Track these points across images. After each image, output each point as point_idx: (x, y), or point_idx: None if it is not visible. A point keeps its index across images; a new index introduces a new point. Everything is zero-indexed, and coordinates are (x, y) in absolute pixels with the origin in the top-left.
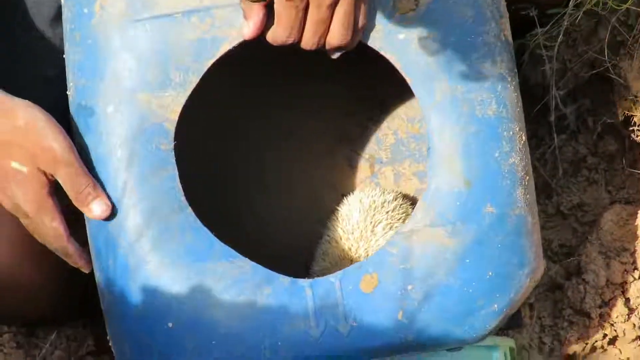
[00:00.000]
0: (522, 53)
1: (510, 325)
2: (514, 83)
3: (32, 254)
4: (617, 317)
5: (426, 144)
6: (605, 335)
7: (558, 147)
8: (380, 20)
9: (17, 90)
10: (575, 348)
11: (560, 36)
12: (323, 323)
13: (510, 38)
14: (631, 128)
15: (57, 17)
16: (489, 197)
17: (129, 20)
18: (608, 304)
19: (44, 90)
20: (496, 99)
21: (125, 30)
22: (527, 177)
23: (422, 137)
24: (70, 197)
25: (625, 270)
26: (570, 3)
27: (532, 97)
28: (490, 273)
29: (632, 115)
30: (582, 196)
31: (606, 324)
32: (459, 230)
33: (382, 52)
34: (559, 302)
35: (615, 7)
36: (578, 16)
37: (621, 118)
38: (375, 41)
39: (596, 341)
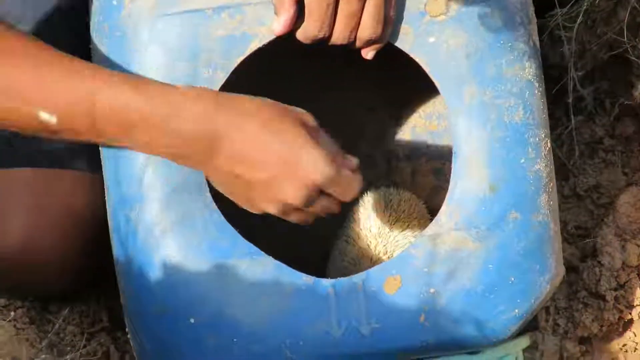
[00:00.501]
0: (541, 33)
1: (527, 328)
2: (541, 89)
3: (47, 227)
4: (632, 299)
5: (443, 141)
6: (620, 318)
7: (575, 128)
8: (410, 23)
9: None
10: (590, 330)
11: (580, 17)
12: (345, 323)
13: (538, 44)
14: None
15: None
16: (513, 203)
17: (158, 13)
18: (623, 286)
19: None
20: (523, 105)
21: (154, 23)
22: (551, 184)
23: (439, 134)
24: None
25: None
26: None
27: (550, 78)
28: (513, 279)
29: None
30: (598, 178)
31: (621, 307)
32: (484, 235)
33: (412, 55)
34: (573, 284)
35: None
36: None
37: (639, 100)
38: (405, 43)
39: (611, 324)
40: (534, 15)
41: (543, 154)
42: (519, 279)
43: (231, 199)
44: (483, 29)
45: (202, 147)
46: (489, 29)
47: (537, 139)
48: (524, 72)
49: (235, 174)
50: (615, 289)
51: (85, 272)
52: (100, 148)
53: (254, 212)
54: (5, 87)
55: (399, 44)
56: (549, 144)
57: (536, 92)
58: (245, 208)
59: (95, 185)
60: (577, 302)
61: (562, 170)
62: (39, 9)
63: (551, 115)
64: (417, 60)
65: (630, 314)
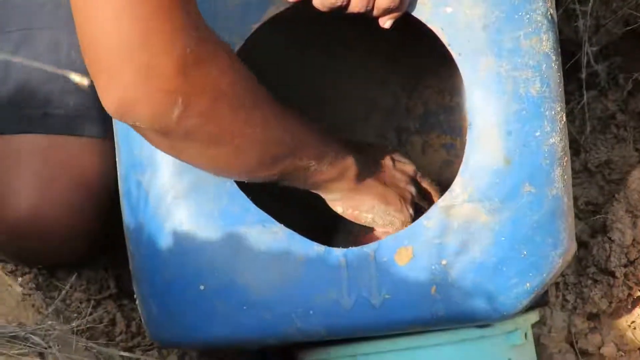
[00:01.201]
0: (557, 8)
1: (538, 303)
2: (557, 62)
3: (56, 193)
4: None
5: (455, 116)
6: (629, 295)
7: (587, 103)
8: None
9: None
10: (599, 307)
11: None
12: (355, 294)
13: (555, 17)
14: None
15: None
16: (527, 176)
17: None
18: (633, 263)
19: None
20: (540, 77)
21: None
22: (566, 158)
23: (452, 109)
24: None
25: None
26: None
27: (563, 53)
28: (525, 252)
29: None
30: (610, 154)
31: (631, 283)
32: (497, 208)
33: (428, 25)
34: (583, 260)
35: None
36: None
37: None
38: (422, 13)
39: (620, 300)
40: None
41: (558, 128)
42: (532, 252)
43: None
44: (501, 1)
45: None
46: (507, 0)
47: (553, 113)
48: (541, 45)
49: None
50: (625, 266)
51: (95, 239)
52: None
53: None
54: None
55: (415, 13)
56: (564, 118)
57: (553, 65)
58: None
59: (105, 151)
60: (586, 278)
61: (574, 146)
62: None
63: (564, 91)
64: (433, 30)
65: None
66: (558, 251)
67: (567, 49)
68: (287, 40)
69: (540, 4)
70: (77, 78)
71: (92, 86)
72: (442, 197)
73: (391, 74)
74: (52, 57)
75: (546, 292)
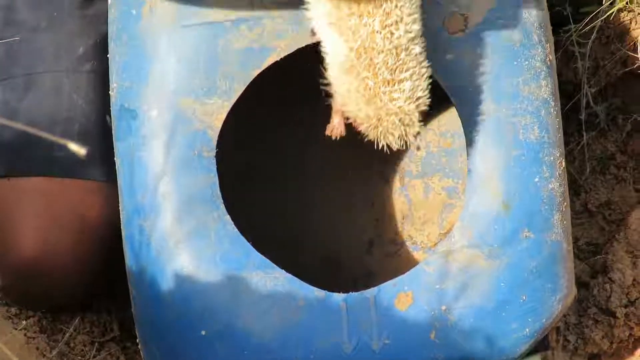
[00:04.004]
0: (556, 49)
1: (537, 348)
2: (556, 108)
3: (60, 236)
4: None
5: (457, 159)
6: (630, 335)
7: (587, 144)
8: (428, 39)
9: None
10: (600, 347)
11: (594, 33)
12: (356, 339)
13: (554, 62)
14: None
15: None
16: (527, 222)
17: (177, 24)
18: (634, 303)
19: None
20: (539, 123)
21: (173, 34)
22: (565, 204)
23: (453, 152)
24: None
25: None
26: (605, 1)
27: (563, 94)
28: (524, 297)
29: None
30: (609, 194)
31: (632, 324)
32: (496, 253)
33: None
34: (584, 301)
35: None
36: (612, 14)
37: None
38: None
39: (621, 341)
40: (551, 34)
41: (557, 173)
42: (531, 297)
43: None
44: (501, 47)
45: None
46: (507, 47)
47: (552, 158)
48: (540, 91)
49: None
50: (626, 306)
51: (98, 282)
52: (115, 158)
53: None
54: None
55: None
56: (563, 164)
57: (552, 110)
58: None
59: (108, 195)
60: (587, 318)
61: (574, 186)
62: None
63: (563, 132)
64: (434, 76)
65: None
66: (557, 296)
67: (567, 90)
68: (286, 83)
69: (540, 50)
70: (74, 147)
71: (95, 131)
72: (442, 242)
73: None
74: (55, 100)
75: (547, 337)
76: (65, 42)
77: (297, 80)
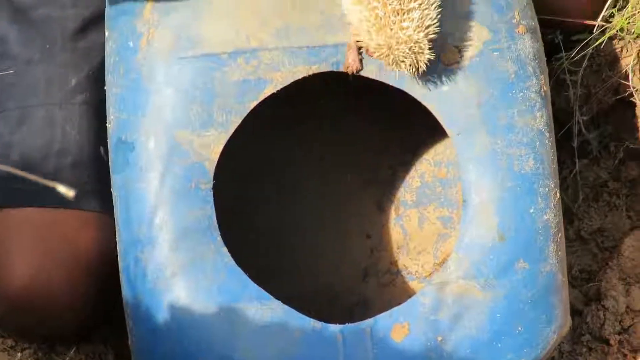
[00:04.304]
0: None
1: None
2: (551, 139)
3: (53, 268)
4: (636, 344)
5: (452, 189)
6: None
7: (580, 171)
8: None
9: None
10: None
11: (585, 61)
12: None
13: (549, 93)
14: None
15: (80, 30)
16: (522, 253)
17: (174, 56)
18: (627, 330)
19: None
20: (534, 154)
21: (170, 66)
22: (560, 234)
23: (448, 182)
24: None
25: None
26: (596, 29)
27: (555, 122)
28: (520, 328)
29: None
30: (602, 221)
31: (625, 351)
32: (491, 284)
33: (424, 102)
34: (577, 328)
35: None
36: (603, 42)
37: None
38: (417, 90)
39: None
40: (545, 65)
41: (552, 204)
42: (526, 328)
43: None
44: (495, 79)
45: None
46: (502, 78)
47: (547, 189)
48: (535, 122)
49: None
50: (620, 333)
51: (94, 313)
52: (112, 189)
53: None
54: None
55: (411, 91)
56: (558, 194)
57: (546, 142)
58: None
59: (103, 225)
60: (581, 346)
61: (567, 214)
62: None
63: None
64: (429, 108)
65: (635, 358)
66: (552, 327)
67: (559, 118)
68: (283, 114)
69: (534, 81)
70: (62, 189)
71: (88, 162)
72: (438, 273)
73: (388, 146)
74: (48, 133)
75: None
76: (57, 74)
77: (290, 110)
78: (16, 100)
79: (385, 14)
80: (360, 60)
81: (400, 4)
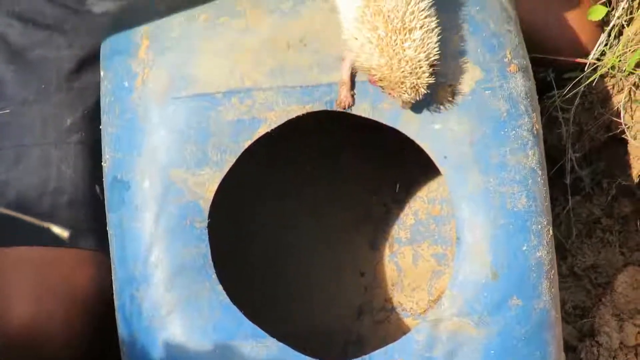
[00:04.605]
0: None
1: None
2: (543, 176)
3: (51, 306)
4: None
5: (445, 227)
6: None
7: (573, 208)
8: (416, 109)
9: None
10: None
11: (577, 99)
12: None
13: (541, 131)
14: None
15: (76, 70)
16: (515, 290)
17: (169, 96)
18: None
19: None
20: (526, 192)
21: (165, 106)
22: (553, 271)
23: (442, 219)
24: None
25: (639, 333)
26: (587, 67)
27: (548, 159)
28: None
29: None
30: (596, 257)
31: None
32: (485, 321)
33: (417, 141)
34: None
35: (631, 70)
36: (594, 79)
37: (636, 180)
38: (411, 129)
39: None
40: (537, 103)
41: (545, 241)
42: None
43: None
44: (488, 117)
45: None
46: (494, 117)
47: (540, 227)
48: (527, 160)
49: None
50: None
51: (90, 351)
52: (108, 228)
53: None
54: None
55: (404, 129)
56: (550, 232)
57: (539, 179)
58: None
59: (99, 263)
60: None
61: (560, 250)
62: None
63: (549, 196)
64: (422, 146)
65: None
66: None
67: (551, 155)
68: (278, 153)
69: (526, 119)
70: (57, 230)
71: (84, 201)
72: (432, 310)
73: (382, 184)
74: (43, 172)
75: None
76: (53, 114)
77: (284, 148)
78: (12, 140)
79: (387, 34)
80: (352, 96)
81: (402, 23)
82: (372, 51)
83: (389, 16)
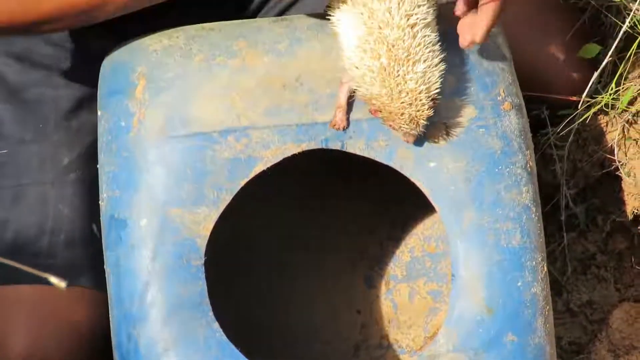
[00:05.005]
0: (534, 152)
1: None
2: (538, 213)
3: (49, 344)
4: None
5: (441, 264)
6: None
7: (567, 244)
8: (411, 148)
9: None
10: None
11: (571, 136)
12: None
13: (535, 168)
14: None
15: (73, 109)
16: (510, 326)
17: (166, 135)
18: None
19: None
20: (521, 229)
21: (161, 145)
22: (547, 307)
23: (438, 256)
24: None
25: None
26: (581, 104)
27: (542, 195)
28: None
29: None
30: (591, 294)
31: None
32: (481, 357)
33: (412, 179)
34: None
35: (625, 108)
36: (588, 117)
37: (630, 217)
38: (406, 167)
39: None
40: (531, 141)
41: (540, 278)
42: None
43: None
44: (482, 155)
45: None
46: (488, 154)
47: (534, 263)
48: (521, 197)
49: None
50: None
51: None
52: (105, 266)
53: None
54: None
55: (399, 167)
56: (545, 268)
57: (533, 216)
58: None
59: (97, 300)
60: None
61: (556, 286)
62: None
63: (544, 232)
64: (417, 184)
65: None
66: None
67: (546, 192)
68: (275, 192)
69: (520, 157)
70: (54, 280)
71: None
72: (428, 346)
73: (379, 222)
74: (41, 211)
75: None
76: (50, 153)
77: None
78: (10, 179)
79: (389, 63)
80: (348, 119)
81: (407, 53)
82: (373, 81)
83: (393, 45)
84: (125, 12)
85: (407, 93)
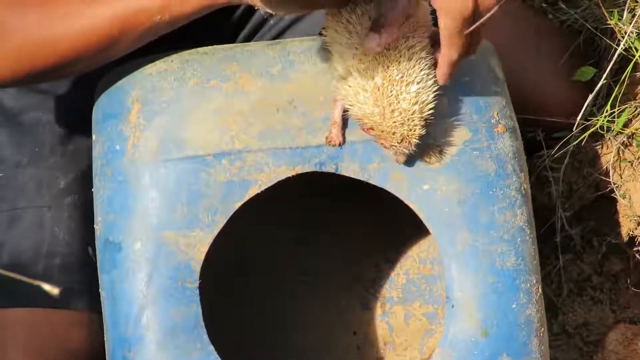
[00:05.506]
0: (529, 174)
1: None
2: (532, 235)
3: None
4: None
5: (436, 286)
6: None
7: (563, 266)
8: (405, 170)
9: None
10: None
11: (566, 159)
12: None
13: (529, 190)
14: (636, 248)
15: (69, 133)
16: (505, 347)
17: (160, 159)
18: None
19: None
20: (515, 251)
21: (155, 168)
22: (542, 329)
23: (433, 278)
24: None
25: None
26: (576, 127)
27: (538, 218)
28: None
29: (636, 236)
30: (587, 315)
31: None
32: None
33: (406, 201)
34: None
35: (620, 130)
36: (584, 139)
37: (626, 238)
38: (400, 190)
39: None
40: (525, 163)
41: (534, 300)
42: None
43: None
44: (476, 177)
45: None
46: (482, 177)
47: (529, 285)
48: (515, 219)
49: None
50: None
51: None
52: (100, 290)
53: None
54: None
55: (393, 190)
56: (540, 290)
57: (527, 238)
58: None
59: (92, 322)
60: None
61: (551, 308)
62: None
63: (540, 254)
64: (411, 206)
65: None
66: None
67: (542, 214)
68: (269, 215)
69: (514, 179)
70: (47, 287)
71: (77, 263)
72: None
73: (374, 244)
74: (37, 234)
75: None
76: (46, 177)
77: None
78: (6, 202)
79: (383, 84)
80: (343, 135)
81: (400, 75)
82: (366, 100)
83: (388, 67)
84: (141, 44)
85: (400, 112)
